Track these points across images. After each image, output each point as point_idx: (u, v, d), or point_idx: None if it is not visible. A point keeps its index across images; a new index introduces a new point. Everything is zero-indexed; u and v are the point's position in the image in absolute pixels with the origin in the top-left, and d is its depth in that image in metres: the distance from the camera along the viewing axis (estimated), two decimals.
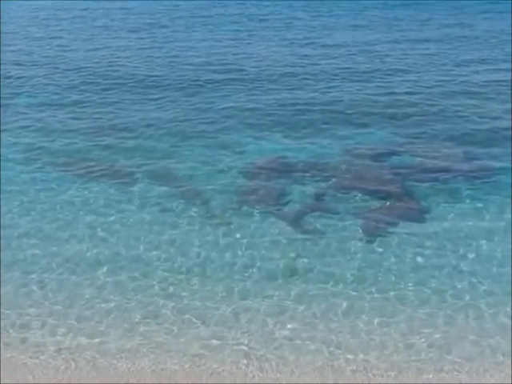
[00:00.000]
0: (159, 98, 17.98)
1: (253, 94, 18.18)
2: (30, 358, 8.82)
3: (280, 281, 10.30)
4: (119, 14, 27.72)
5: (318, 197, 12.77)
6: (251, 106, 17.29)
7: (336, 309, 9.65)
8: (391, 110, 16.94)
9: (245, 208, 12.34)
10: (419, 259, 10.77)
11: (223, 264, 10.71)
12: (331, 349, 8.96)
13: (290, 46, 22.82)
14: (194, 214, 12.14)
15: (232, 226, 11.74)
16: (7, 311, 9.60)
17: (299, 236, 11.45)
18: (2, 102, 17.46)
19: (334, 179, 13.36)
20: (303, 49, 22.48)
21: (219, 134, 15.57)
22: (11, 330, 9.25)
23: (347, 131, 15.69)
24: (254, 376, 8.55)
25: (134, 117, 16.71)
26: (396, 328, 9.30)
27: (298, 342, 9.09)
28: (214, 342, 9.10)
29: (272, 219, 11.96)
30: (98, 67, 20.65)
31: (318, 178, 13.40)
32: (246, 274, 10.46)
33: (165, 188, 13.09)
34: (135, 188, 13.10)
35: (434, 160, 14.14)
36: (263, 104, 17.41)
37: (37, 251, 11.02)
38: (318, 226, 11.75)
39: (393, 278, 10.32)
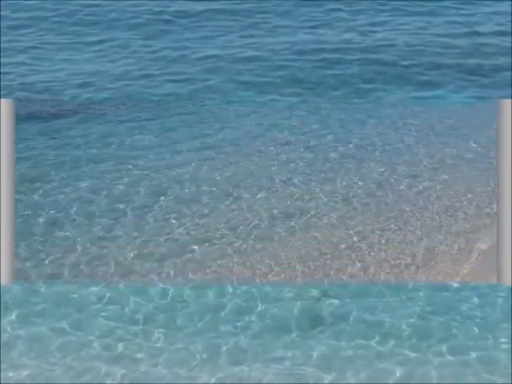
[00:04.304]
0: (100, 42, 18.04)
1: (251, 35, 18.21)
2: None
3: (294, 335, 10.32)
4: None
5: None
6: (248, 53, 17.34)
7: (385, 378, 9.65)
8: (473, 61, 17.00)
9: None
10: None
11: (203, 307, 10.74)
12: None
13: None
14: None
15: None
16: None
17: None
18: None
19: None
20: None
21: (197, 101, 15.61)
22: None
23: (403, 93, 15.74)
24: None
25: (61, 71, 16.75)
26: None
27: None
28: None
29: None
30: None
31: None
32: (240, 324, 10.48)
33: None
34: None
35: None
36: (267, 50, 17.44)
37: None
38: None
39: (475, 329, 10.34)
